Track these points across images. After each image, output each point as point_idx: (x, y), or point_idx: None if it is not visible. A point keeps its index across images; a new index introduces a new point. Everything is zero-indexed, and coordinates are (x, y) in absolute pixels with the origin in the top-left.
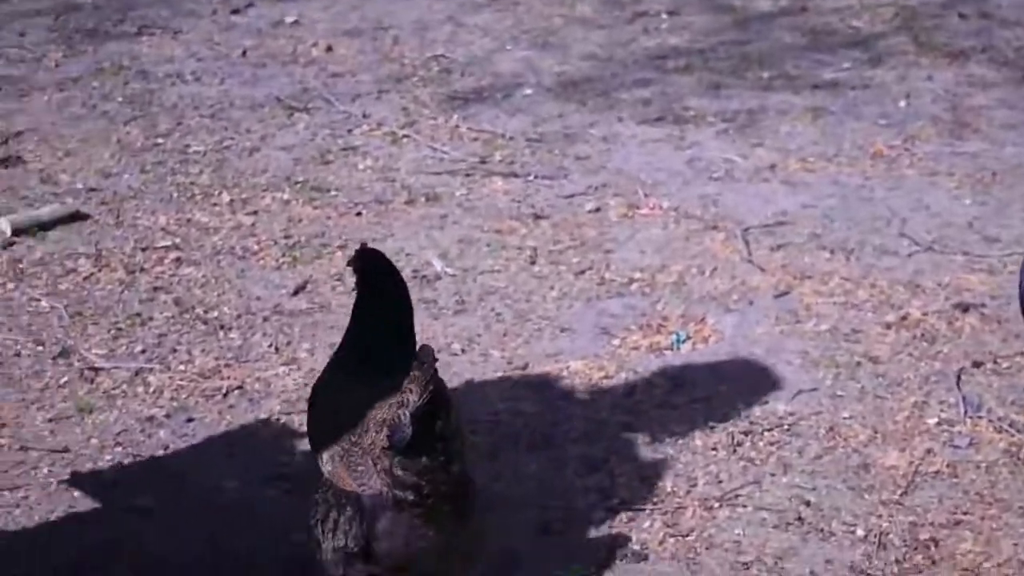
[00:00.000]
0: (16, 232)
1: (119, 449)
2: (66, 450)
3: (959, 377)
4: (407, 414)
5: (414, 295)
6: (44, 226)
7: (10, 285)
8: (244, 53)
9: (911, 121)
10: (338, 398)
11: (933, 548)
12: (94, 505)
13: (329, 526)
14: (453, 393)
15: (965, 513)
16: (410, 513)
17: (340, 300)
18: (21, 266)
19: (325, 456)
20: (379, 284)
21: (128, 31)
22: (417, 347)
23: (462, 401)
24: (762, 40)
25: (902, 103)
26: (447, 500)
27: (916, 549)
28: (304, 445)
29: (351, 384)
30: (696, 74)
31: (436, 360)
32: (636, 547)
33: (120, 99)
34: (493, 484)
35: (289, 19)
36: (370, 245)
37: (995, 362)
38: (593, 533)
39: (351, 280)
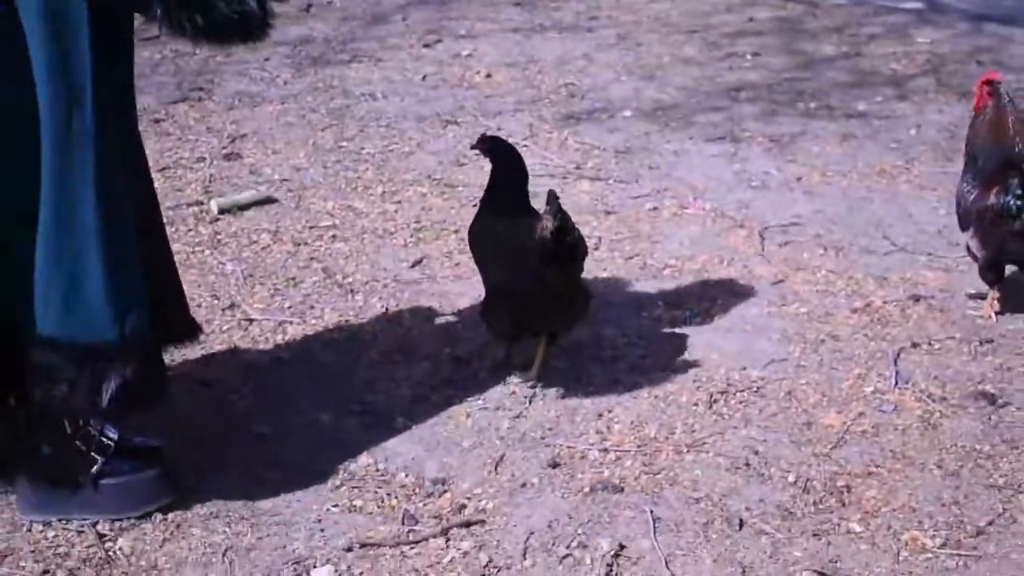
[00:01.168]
0: (221, 211)
1: (250, 384)
2: (214, 382)
3: (898, 355)
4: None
5: None
6: (242, 207)
7: (207, 252)
8: (424, 78)
9: (916, 146)
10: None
11: (845, 494)
12: (218, 429)
13: None
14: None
15: (877, 466)
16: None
17: (446, 273)
18: (219, 237)
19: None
20: (506, 156)
21: (343, 59)
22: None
23: (516, 351)
24: (818, 78)
25: (912, 131)
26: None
27: (832, 494)
28: (388, 385)
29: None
30: (759, 104)
31: (559, 198)
32: (615, 480)
33: (323, 111)
34: (517, 422)
35: (465, 52)
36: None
37: (929, 344)
38: (587, 468)
39: (459, 257)
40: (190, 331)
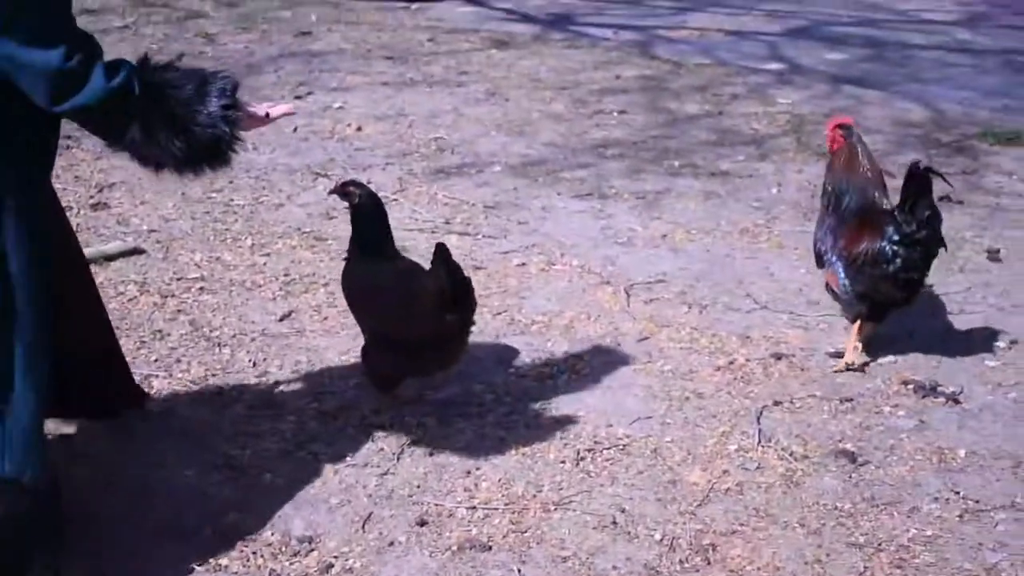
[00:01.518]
0: (88, 262)
1: (113, 438)
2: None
3: (761, 413)
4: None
5: None
6: (109, 258)
7: None
8: (295, 129)
9: (777, 204)
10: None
11: (711, 552)
12: (80, 483)
13: None
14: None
15: (742, 524)
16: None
17: (314, 327)
18: None
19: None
20: (370, 198)
21: None
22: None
23: (384, 406)
24: (683, 136)
25: (774, 190)
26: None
27: (697, 552)
28: (255, 440)
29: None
30: (626, 161)
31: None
32: (483, 539)
33: None
34: (385, 479)
35: (336, 104)
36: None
37: (791, 402)
38: (455, 526)
39: (328, 311)
40: (135, 398)
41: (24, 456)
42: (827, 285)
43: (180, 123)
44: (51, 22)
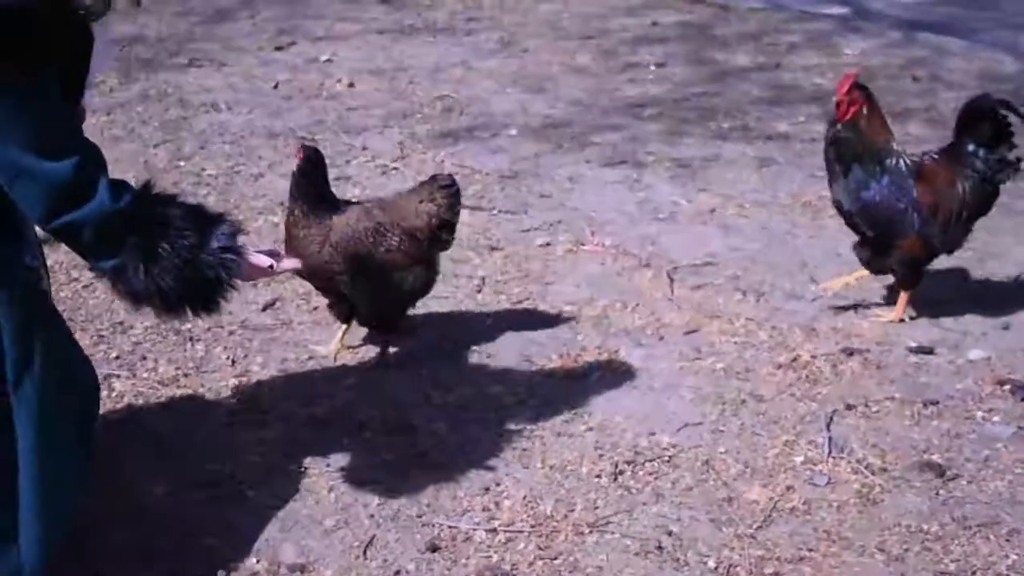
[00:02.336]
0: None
1: None
2: None
3: (831, 418)
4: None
5: None
6: None
7: None
8: (276, 86)
9: None
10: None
11: None
12: None
13: None
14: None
15: (810, 550)
16: None
17: (302, 318)
18: None
19: None
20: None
21: (180, 63)
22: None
23: (387, 411)
24: (732, 92)
25: None
26: None
27: None
28: (235, 452)
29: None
30: (664, 122)
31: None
32: (506, 567)
33: (156, 124)
34: (389, 497)
35: (324, 57)
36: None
37: (866, 405)
38: (473, 552)
39: (318, 299)
40: None
41: None
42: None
43: (174, 260)
44: (59, 127)
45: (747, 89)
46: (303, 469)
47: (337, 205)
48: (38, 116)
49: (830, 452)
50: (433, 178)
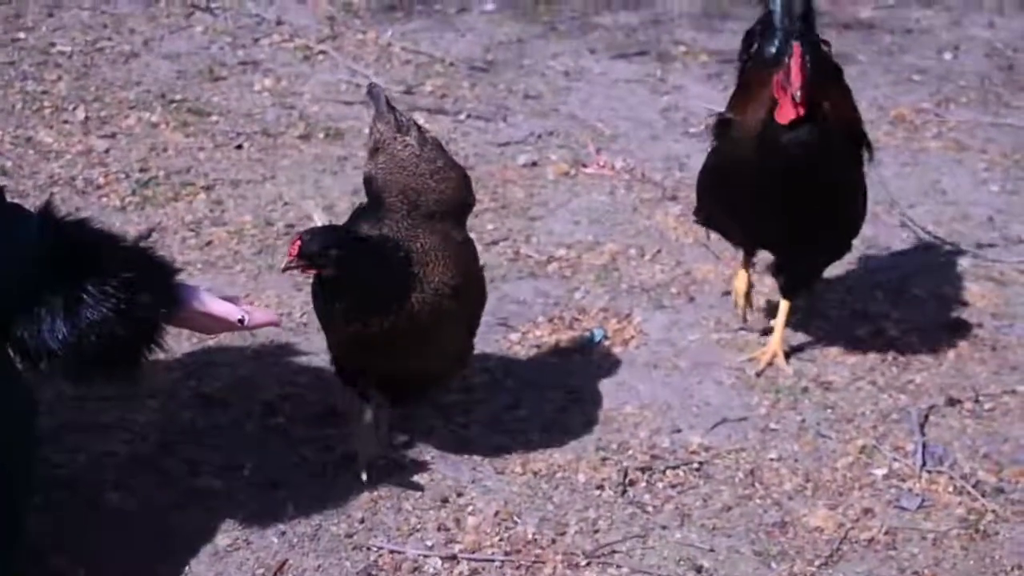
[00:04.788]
0: None
1: None
2: None
3: (926, 417)
4: None
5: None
6: None
7: None
8: None
9: (952, 79)
10: None
11: None
12: None
13: None
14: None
15: None
16: None
17: (189, 254)
18: None
19: None
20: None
21: None
22: None
23: (305, 390)
24: None
25: (947, 55)
26: None
27: None
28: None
29: None
30: None
31: None
32: None
33: None
34: (309, 510)
35: None
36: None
37: (977, 401)
38: None
39: (207, 232)
40: None
41: None
42: None
43: (84, 313)
44: None
45: None
46: (188, 464)
47: None
48: None
49: (924, 464)
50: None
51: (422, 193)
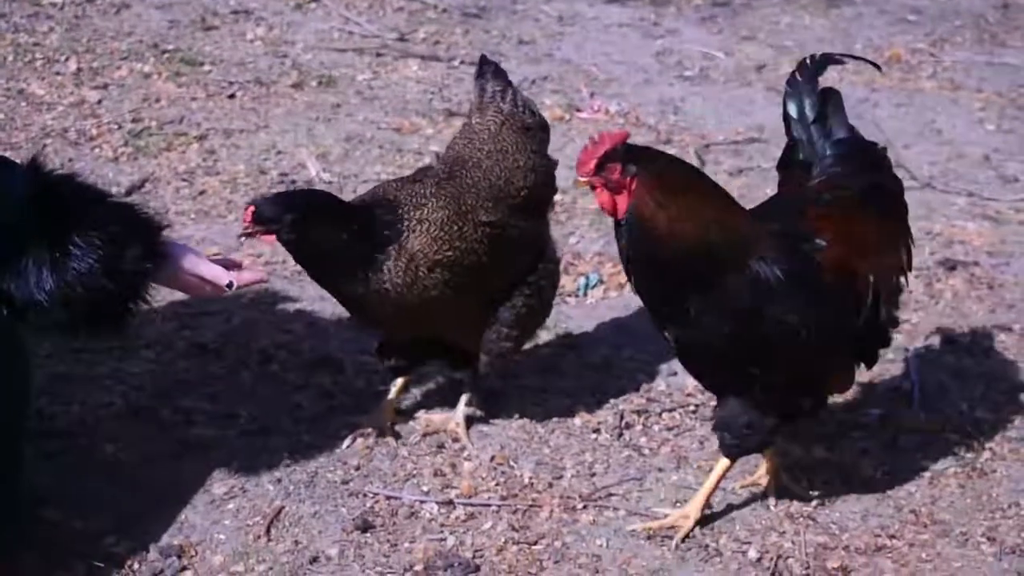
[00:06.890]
0: None
1: None
2: None
3: (921, 356)
4: None
5: None
6: None
7: None
8: None
9: (947, 19)
10: None
11: None
12: None
13: None
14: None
15: (892, 537)
16: None
17: (182, 205)
18: None
19: None
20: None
21: None
22: None
23: (300, 338)
24: None
25: None
26: None
27: None
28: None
29: None
30: None
31: None
32: (466, 554)
33: None
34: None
35: None
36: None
37: (972, 339)
38: (419, 533)
39: (200, 182)
40: None
41: None
42: None
43: (70, 266)
44: None
45: None
46: (183, 414)
47: None
48: None
49: (921, 403)
50: None
51: (471, 170)
